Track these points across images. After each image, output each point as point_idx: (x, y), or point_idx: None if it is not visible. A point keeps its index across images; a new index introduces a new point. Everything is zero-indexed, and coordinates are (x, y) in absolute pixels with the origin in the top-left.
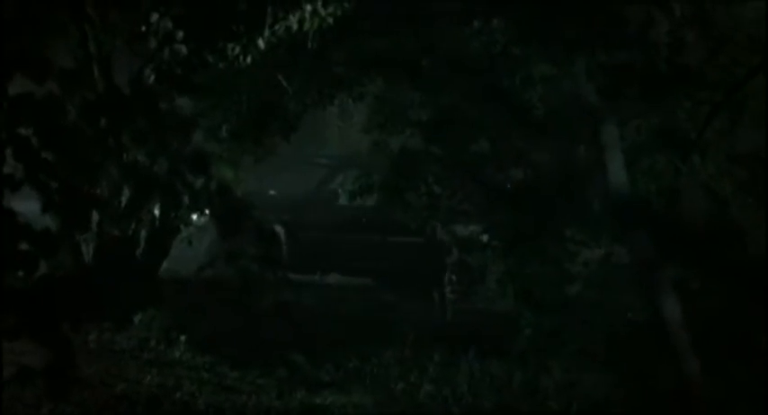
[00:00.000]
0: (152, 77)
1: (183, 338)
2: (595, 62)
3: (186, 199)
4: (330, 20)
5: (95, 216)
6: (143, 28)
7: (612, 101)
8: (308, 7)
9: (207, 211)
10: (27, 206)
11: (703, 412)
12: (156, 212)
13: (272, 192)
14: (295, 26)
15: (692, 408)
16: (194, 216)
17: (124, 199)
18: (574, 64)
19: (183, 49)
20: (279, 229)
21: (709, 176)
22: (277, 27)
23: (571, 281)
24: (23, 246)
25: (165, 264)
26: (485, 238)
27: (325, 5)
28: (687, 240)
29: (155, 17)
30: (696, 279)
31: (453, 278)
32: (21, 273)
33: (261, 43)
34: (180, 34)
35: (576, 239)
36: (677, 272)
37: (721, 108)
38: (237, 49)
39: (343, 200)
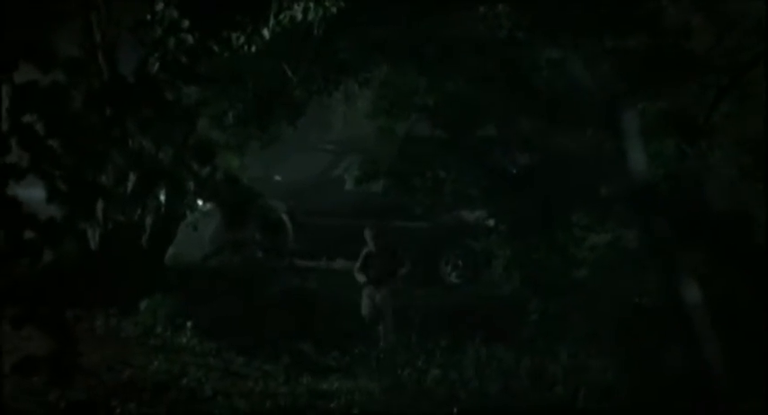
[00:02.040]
0: (156, 66)
1: (189, 324)
2: (602, 47)
3: (191, 187)
4: (334, 9)
5: (101, 204)
6: (148, 17)
7: (634, 85)
8: None
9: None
10: (31, 193)
11: (723, 397)
12: (162, 198)
13: (277, 178)
14: (299, 16)
15: (712, 393)
16: (200, 202)
17: (129, 186)
18: (580, 48)
19: (189, 38)
20: (284, 216)
21: (716, 161)
22: (282, 16)
23: (577, 266)
24: (28, 234)
25: (170, 249)
26: (491, 223)
27: None
28: (696, 225)
29: (160, 6)
30: (705, 264)
31: (459, 263)
32: (26, 261)
33: (265, 32)
34: (185, 23)
35: (582, 224)
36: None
37: (727, 92)
38: (242, 38)
39: (348, 186)
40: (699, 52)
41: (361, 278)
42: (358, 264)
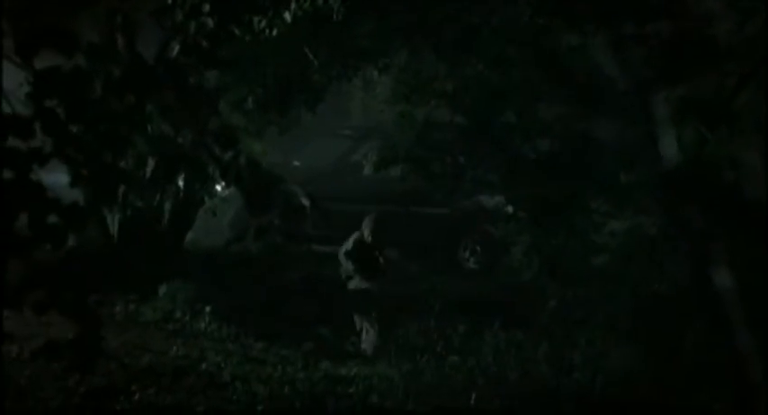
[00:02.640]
0: (177, 50)
1: (207, 309)
2: (623, 33)
3: (212, 172)
4: None
5: (121, 189)
6: (169, 1)
7: (655, 71)
8: None
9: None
10: (55, 178)
11: (748, 386)
12: (181, 184)
13: (296, 164)
14: None
15: (745, 381)
16: (218, 188)
17: (149, 171)
18: (602, 34)
19: (210, 22)
20: (305, 202)
21: (737, 147)
22: (303, 0)
23: (597, 252)
24: (52, 219)
25: (188, 235)
26: (510, 209)
27: None
28: (719, 211)
29: None
30: (729, 251)
31: (478, 249)
32: (49, 246)
33: (287, 16)
34: (206, 7)
35: (601, 210)
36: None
37: (749, 79)
38: (263, 22)
39: (367, 171)
40: (720, 39)
41: (349, 266)
42: (346, 249)
